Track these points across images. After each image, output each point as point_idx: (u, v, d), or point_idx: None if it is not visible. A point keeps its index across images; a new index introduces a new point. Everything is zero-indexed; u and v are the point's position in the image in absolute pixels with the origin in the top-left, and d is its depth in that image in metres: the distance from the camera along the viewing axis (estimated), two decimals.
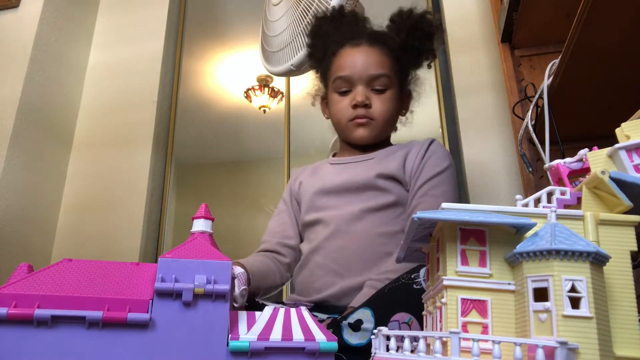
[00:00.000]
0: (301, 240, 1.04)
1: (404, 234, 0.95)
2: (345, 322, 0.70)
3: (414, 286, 0.72)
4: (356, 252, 0.92)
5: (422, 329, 0.63)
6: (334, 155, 1.12)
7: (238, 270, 0.81)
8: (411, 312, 0.70)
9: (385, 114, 1.00)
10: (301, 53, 1.18)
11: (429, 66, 1.08)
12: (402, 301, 0.71)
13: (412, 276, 0.73)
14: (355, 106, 0.99)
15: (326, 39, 1.07)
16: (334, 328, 0.70)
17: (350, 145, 1.06)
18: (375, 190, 0.96)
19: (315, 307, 0.93)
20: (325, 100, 1.10)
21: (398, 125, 1.10)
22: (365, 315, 0.71)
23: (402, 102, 1.07)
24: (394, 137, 1.13)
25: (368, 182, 0.96)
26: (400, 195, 0.96)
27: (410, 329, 0.69)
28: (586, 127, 1.03)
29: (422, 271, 0.73)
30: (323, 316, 0.87)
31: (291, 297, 1.00)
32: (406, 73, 1.07)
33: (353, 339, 0.69)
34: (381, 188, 0.96)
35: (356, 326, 0.70)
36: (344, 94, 1.02)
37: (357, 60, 1.00)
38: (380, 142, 1.05)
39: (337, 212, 0.97)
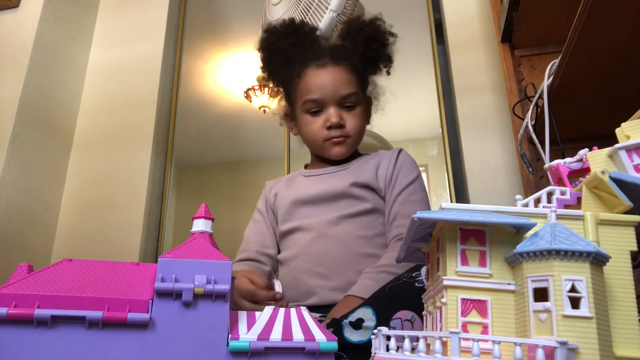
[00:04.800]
0: (278, 252, 1.06)
1: (382, 237, 0.97)
2: (346, 321, 0.70)
3: (416, 284, 0.72)
4: (338, 253, 0.95)
5: (424, 327, 0.63)
6: (305, 167, 1.14)
7: (278, 285, 0.86)
8: (413, 310, 0.70)
9: (358, 129, 1.03)
10: None
11: (388, 73, 1.09)
12: (404, 299, 0.71)
13: (414, 274, 0.73)
14: (329, 127, 1.00)
15: (285, 57, 1.06)
16: (334, 327, 0.70)
17: (323, 158, 1.08)
18: (350, 199, 0.99)
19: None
20: (289, 117, 1.11)
21: None
22: (367, 314, 0.71)
23: (367, 111, 1.09)
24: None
25: (344, 191, 0.99)
26: (377, 203, 0.99)
27: (412, 326, 0.69)
28: (586, 127, 1.03)
29: (424, 269, 0.73)
30: (315, 315, 0.88)
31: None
32: (367, 82, 1.09)
33: (354, 336, 0.69)
34: (356, 196, 0.99)
35: (357, 325, 0.70)
36: (315, 114, 1.02)
37: (325, 81, 1.00)
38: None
39: (316, 219, 0.99)
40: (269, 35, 1.08)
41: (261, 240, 1.06)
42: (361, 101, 1.04)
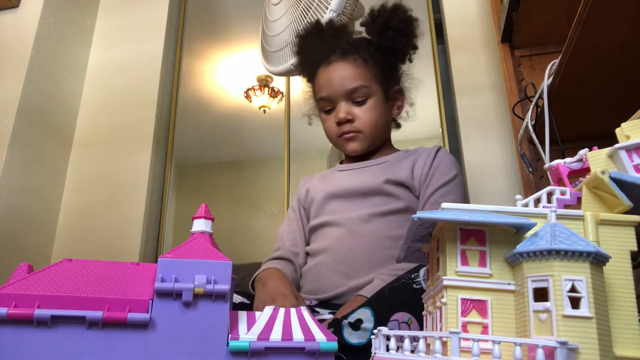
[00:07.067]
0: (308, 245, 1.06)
1: None
2: (345, 322, 0.70)
3: (414, 286, 0.72)
4: (365, 253, 0.93)
5: (421, 329, 0.63)
6: (340, 163, 1.13)
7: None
8: (411, 312, 0.70)
9: (370, 123, 1.01)
10: None
11: (410, 60, 1.07)
12: (402, 301, 0.72)
13: (412, 276, 0.74)
14: (339, 123, 1.01)
15: (307, 59, 1.08)
16: (335, 327, 0.70)
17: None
18: (383, 196, 0.97)
19: (320, 304, 0.94)
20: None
21: (400, 121, 1.11)
22: (365, 315, 0.71)
23: (394, 102, 1.07)
24: (397, 135, 1.12)
25: (377, 188, 0.97)
26: (411, 202, 0.97)
27: (409, 329, 0.70)
28: (586, 127, 1.03)
29: (422, 271, 0.73)
30: (325, 311, 0.88)
31: None
32: (390, 72, 1.06)
33: (353, 338, 0.69)
34: (390, 194, 0.97)
35: (356, 325, 0.70)
36: (329, 112, 1.04)
37: (332, 78, 1.01)
38: (379, 147, 1.05)
39: (347, 215, 0.98)
40: (298, 39, 1.10)
41: (292, 238, 1.06)
42: (374, 93, 1.01)
